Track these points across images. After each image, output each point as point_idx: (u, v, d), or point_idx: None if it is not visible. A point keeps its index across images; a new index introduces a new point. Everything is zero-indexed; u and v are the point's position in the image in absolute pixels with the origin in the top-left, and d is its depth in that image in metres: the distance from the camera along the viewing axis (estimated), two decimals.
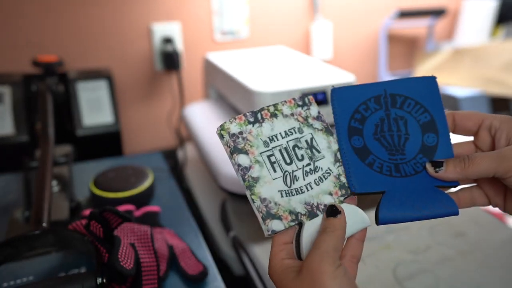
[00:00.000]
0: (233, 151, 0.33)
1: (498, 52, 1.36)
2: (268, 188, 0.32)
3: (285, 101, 0.36)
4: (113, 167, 0.71)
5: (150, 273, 0.50)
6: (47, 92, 0.82)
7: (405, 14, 1.37)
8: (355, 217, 0.33)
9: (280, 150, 0.34)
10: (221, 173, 0.73)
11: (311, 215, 0.33)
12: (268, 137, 0.34)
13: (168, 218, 0.66)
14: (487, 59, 1.36)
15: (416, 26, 1.50)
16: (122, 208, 0.61)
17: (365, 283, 0.57)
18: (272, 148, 0.34)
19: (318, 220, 0.32)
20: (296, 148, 0.34)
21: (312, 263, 0.28)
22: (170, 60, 1.11)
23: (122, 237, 0.50)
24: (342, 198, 0.34)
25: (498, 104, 1.53)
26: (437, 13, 1.42)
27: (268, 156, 0.33)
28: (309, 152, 0.34)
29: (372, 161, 0.34)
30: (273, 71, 0.86)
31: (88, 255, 0.49)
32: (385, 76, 1.45)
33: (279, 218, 0.32)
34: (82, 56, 1.09)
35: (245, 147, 0.33)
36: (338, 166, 0.35)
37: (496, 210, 0.84)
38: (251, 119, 0.34)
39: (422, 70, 1.44)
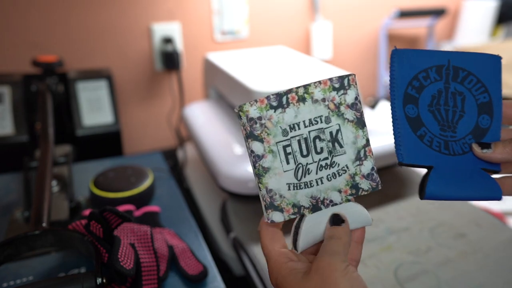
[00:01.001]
0: (249, 136, 0.31)
1: (498, 52, 1.35)
2: (277, 180, 0.32)
3: (320, 82, 0.32)
4: (113, 167, 0.71)
5: (150, 273, 0.50)
6: (47, 92, 0.82)
7: (405, 14, 1.37)
8: (358, 215, 0.33)
9: (298, 141, 0.32)
10: (221, 173, 0.73)
11: (314, 208, 0.32)
12: (289, 125, 0.32)
13: (168, 218, 0.66)
14: None
15: (416, 26, 1.50)
16: (122, 208, 0.61)
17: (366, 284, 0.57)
18: (291, 138, 0.32)
19: (320, 214, 0.32)
20: (317, 140, 0.32)
21: (322, 262, 0.29)
22: (170, 60, 1.11)
23: (122, 237, 0.50)
24: (350, 198, 0.33)
25: None
26: (437, 13, 1.42)
27: (284, 147, 0.32)
28: (330, 146, 0.32)
29: (423, 134, 0.33)
30: (273, 71, 0.86)
31: (88, 255, 0.49)
32: (385, 76, 1.45)
33: (281, 210, 0.32)
34: (82, 56, 1.08)
35: (262, 134, 0.31)
36: (357, 165, 0.33)
37: (497, 211, 0.84)
38: (274, 103, 0.31)
39: None
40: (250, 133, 0.31)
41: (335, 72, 0.81)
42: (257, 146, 0.31)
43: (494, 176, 0.34)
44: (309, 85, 0.32)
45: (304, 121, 0.32)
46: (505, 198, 0.35)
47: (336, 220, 0.32)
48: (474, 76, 0.35)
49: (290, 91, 0.32)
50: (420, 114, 0.34)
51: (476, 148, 0.33)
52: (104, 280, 0.42)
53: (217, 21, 1.20)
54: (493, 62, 0.35)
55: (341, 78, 0.33)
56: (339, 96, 0.33)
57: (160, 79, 1.19)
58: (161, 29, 1.13)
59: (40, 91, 0.82)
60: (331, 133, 0.32)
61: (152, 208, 0.64)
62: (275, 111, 0.32)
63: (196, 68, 1.22)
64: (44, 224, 0.51)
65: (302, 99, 0.32)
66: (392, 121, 0.34)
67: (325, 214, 0.32)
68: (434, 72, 0.34)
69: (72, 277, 0.42)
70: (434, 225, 0.69)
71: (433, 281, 0.58)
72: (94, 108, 0.99)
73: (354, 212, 0.33)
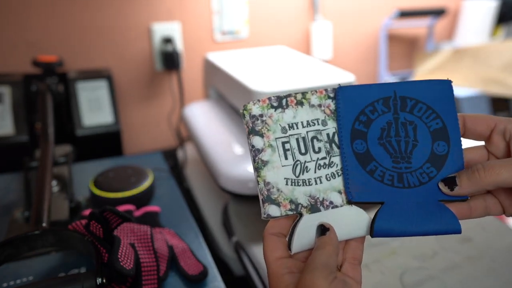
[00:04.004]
0: (250, 132, 0.33)
1: (498, 52, 1.36)
2: (274, 173, 0.33)
3: (316, 91, 0.35)
4: (113, 167, 0.71)
5: (150, 273, 0.50)
6: (47, 92, 0.82)
7: (405, 14, 1.37)
8: (359, 222, 0.32)
9: (297, 139, 0.33)
10: (222, 173, 0.73)
11: (313, 209, 0.32)
12: (288, 124, 0.34)
13: (168, 218, 0.66)
14: (487, 59, 1.36)
15: (416, 26, 1.50)
16: (122, 208, 0.61)
17: None
18: (290, 135, 0.33)
19: (318, 216, 0.32)
20: (315, 140, 0.34)
21: (305, 281, 0.28)
22: (170, 60, 1.11)
23: (122, 237, 0.50)
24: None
25: (498, 104, 1.53)
26: (437, 13, 1.42)
27: (283, 143, 0.33)
28: (328, 146, 0.34)
29: (373, 168, 0.33)
30: (273, 71, 0.86)
31: (88, 255, 0.49)
32: (385, 76, 1.45)
33: (278, 204, 0.32)
34: (82, 56, 1.08)
35: (262, 130, 0.33)
36: None
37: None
38: (275, 104, 0.34)
39: (422, 70, 1.44)
40: (252, 129, 0.33)
41: (335, 72, 0.81)
42: (257, 141, 0.33)
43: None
44: (306, 92, 0.35)
45: (302, 122, 0.34)
46: None
47: (322, 230, 0.31)
48: (423, 103, 0.34)
49: (289, 95, 0.34)
50: (369, 149, 0.33)
51: (443, 188, 0.32)
52: (104, 280, 0.42)
53: (217, 21, 1.20)
54: (443, 86, 0.34)
55: (335, 89, 0.35)
56: (334, 104, 0.35)
57: (160, 79, 1.19)
58: (161, 29, 1.13)
59: (40, 91, 0.82)
60: (328, 134, 0.34)
61: (152, 208, 0.64)
62: (275, 110, 0.34)
63: (196, 68, 1.22)
64: (44, 224, 0.51)
65: (300, 103, 0.34)
66: (341, 159, 0.33)
67: (323, 217, 0.32)
68: (381, 105, 0.34)
69: (72, 277, 0.42)
70: None
71: (439, 287, 0.57)
72: (94, 108, 0.99)
73: (353, 218, 0.32)
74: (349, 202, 0.33)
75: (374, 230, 0.31)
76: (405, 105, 0.34)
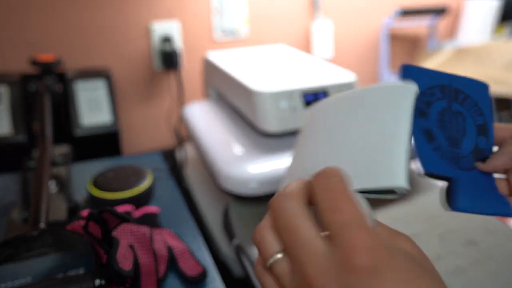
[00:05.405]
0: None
1: (501, 51, 1.35)
2: None
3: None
4: (112, 167, 0.71)
5: (149, 274, 0.49)
6: (45, 92, 0.81)
7: (406, 13, 1.37)
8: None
9: None
10: (222, 174, 0.72)
11: None
12: None
13: (167, 219, 0.65)
14: (489, 58, 1.35)
15: (418, 25, 1.50)
16: (121, 208, 0.61)
17: None
18: None
19: None
20: None
21: None
22: (170, 60, 1.10)
23: (121, 238, 0.50)
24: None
25: (500, 103, 1.52)
26: (439, 11, 1.42)
27: None
28: None
29: (437, 147, 0.34)
30: (273, 70, 0.85)
31: (87, 256, 0.48)
32: (387, 75, 1.45)
33: None
34: (81, 55, 1.08)
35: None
36: None
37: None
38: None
39: None
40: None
41: (336, 71, 0.81)
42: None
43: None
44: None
45: None
46: None
47: None
48: (472, 98, 0.36)
49: None
50: (431, 128, 0.35)
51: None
52: (103, 281, 0.42)
53: (217, 20, 1.19)
54: (483, 87, 0.37)
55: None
56: None
57: (159, 78, 1.19)
58: (160, 28, 1.12)
59: (39, 90, 0.82)
60: None
61: (152, 208, 0.63)
62: None
63: (196, 67, 1.21)
64: (42, 225, 0.50)
65: None
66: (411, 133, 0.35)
67: None
68: (439, 91, 0.35)
69: (71, 278, 0.42)
70: (443, 232, 0.67)
71: None
72: (92, 108, 0.99)
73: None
74: (426, 174, 0.34)
75: (460, 205, 0.33)
76: (458, 97, 0.36)
